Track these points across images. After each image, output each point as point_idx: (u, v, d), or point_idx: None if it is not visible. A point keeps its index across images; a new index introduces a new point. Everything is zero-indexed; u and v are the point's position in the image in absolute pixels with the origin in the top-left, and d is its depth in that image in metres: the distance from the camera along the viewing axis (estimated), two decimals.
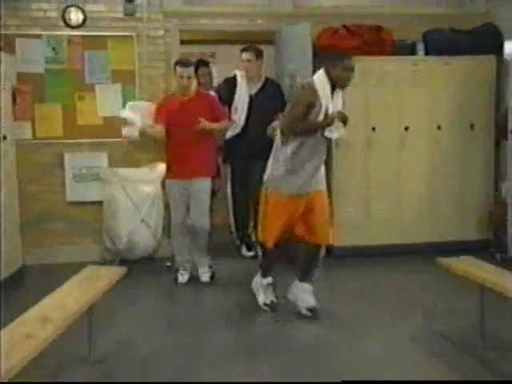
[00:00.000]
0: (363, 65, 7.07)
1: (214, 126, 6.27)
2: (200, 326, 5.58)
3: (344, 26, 7.47)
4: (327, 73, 5.06)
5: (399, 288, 6.39)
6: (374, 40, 7.45)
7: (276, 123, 6.62)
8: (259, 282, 5.67)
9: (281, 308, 5.87)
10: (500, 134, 7.49)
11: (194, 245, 6.40)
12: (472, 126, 7.61)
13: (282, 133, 5.21)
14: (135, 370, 4.65)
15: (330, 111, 5.12)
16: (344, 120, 5.18)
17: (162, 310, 5.96)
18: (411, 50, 7.63)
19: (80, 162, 7.43)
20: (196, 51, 9.18)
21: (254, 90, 7.05)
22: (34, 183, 7.33)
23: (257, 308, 5.84)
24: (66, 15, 7.30)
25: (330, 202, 6.55)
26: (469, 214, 7.37)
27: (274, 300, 5.61)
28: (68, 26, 7.32)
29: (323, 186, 5.39)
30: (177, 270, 6.43)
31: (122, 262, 6.66)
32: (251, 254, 7.37)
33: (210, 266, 6.39)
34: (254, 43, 7.76)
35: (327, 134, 5.11)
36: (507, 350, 4.67)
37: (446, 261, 5.20)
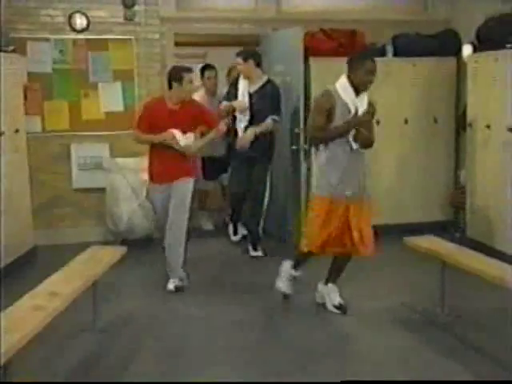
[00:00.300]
0: (339, 65, 7.17)
1: (205, 140, 5.98)
2: (196, 297, 5.70)
3: (321, 30, 7.66)
4: (349, 78, 4.88)
5: (369, 264, 6.40)
6: (349, 43, 7.63)
7: (243, 136, 6.77)
8: (287, 269, 5.36)
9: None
10: (460, 126, 7.64)
11: (170, 246, 5.80)
12: (435, 120, 7.87)
13: (309, 143, 5.07)
14: (137, 339, 4.84)
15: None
16: (366, 123, 4.96)
17: (160, 284, 5.99)
18: (382, 52, 7.75)
19: (84, 153, 7.57)
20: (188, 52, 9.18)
21: (253, 89, 6.82)
22: (44, 172, 7.46)
23: (247, 279, 6.14)
24: (72, 20, 7.48)
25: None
26: (432, 197, 7.70)
27: (290, 293, 5.39)
28: (73, 30, 7.49)
29: (367, 195, 5.10)
30: None
31: (123, 242, 6.77)
32: (238, 237, 7.49)
33: (181, 279, 5.81)
34: (240, 45, 7.78)
35: (351, 141, 4.89)
36: (464, 318, 4.99)
37: (411, 239, 5.43)
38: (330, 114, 4.82)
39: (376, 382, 3.97)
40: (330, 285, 5.24)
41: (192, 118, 5.69)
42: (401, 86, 7.78)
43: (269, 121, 6.79)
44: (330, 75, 6.69)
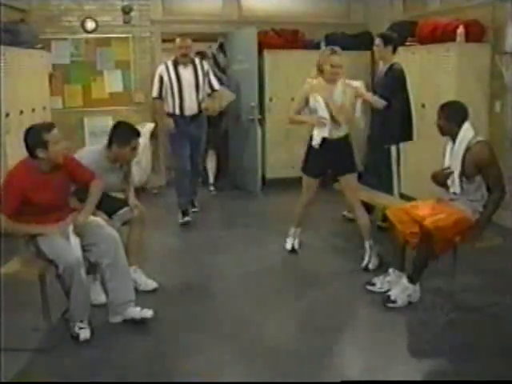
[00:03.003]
0: (286, 55, 8.06)
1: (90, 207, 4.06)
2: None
3: (272, 30, 8.32)
4: None
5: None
6: (292, 39, 8.31)
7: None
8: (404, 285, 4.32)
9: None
10: None
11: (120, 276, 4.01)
12: None
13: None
14: None
15: None
16: None
17: (153, 217, 6.07)
18: (317, 47, 8.10)
19: (94, 123, 8.05)
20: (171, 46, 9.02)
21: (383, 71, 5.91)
22: (65, 138, 7.11)
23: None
24: (84, 24, 8.08)
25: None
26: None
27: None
28: (85, 31, 8.10)
29: None
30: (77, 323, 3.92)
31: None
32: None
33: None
34: (212, 41, 8.54)
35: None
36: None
37: (338, 185, 5.58)
38: None
39: (376, 382, 3.43)
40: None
41: (67, 178, 3.99)
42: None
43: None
44: (279, 63, 7.78)
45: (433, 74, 6.59)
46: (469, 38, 6.29)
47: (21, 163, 3.92)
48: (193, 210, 7.01)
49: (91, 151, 4.62)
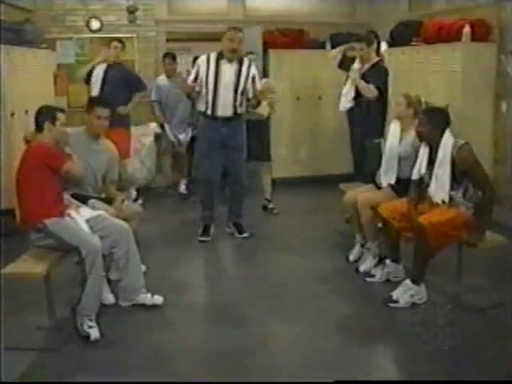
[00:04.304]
0: (291, 55, 8.16)
1: None
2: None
3: (277, 29, 8.41)
4: None
5: (314, 203, 7.42)
6: (298, 39, 8.39)
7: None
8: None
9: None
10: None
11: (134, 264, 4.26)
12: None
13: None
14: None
15: None
16: None
17: (155, 210, 6.92)
18: (322, 46, 8.40)
19: None
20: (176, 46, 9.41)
21: (364, 69, 6.22)
22: None
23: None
24: (89, 23, 8.19)
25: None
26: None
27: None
28: (90, 30, 8.21)
29: None
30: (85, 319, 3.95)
31: None
32: None
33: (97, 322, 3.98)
34: (217, 41, 8.36)
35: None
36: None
37: (344, 186, 6.12)
38: None
39: (375, 382, 3.44)
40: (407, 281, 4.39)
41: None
42: (336, 70, 7.70)
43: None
44: (284, 62, 7.89)
45: (438, 74, 6.61)
46: (474, 37, 6.31)
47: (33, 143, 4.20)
48: (242, 235, 6.19)
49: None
